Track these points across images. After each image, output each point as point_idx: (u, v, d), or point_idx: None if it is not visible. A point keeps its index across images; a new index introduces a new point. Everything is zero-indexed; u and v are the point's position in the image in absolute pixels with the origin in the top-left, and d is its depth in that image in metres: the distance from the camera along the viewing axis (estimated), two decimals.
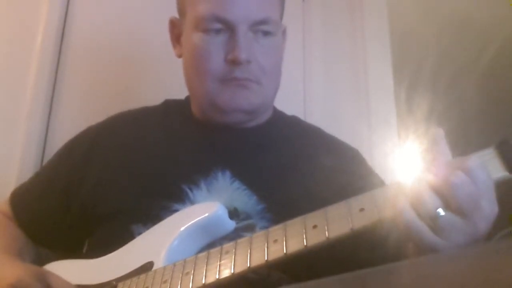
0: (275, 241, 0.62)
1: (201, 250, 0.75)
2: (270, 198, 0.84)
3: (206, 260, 0.66)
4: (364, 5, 1.61)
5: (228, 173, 0.86)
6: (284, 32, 1.00)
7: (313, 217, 0.62)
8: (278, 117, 1.02)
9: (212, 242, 0.76)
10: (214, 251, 0.67)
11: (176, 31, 0.98)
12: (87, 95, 1.35)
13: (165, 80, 1.34)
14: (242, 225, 0.80)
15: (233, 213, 0.81)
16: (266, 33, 0.89)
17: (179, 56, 0.97)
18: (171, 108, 1.02)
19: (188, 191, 0.84)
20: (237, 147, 0.93)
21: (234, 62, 0.86)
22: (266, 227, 0.80)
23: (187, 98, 1.01)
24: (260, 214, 0.82)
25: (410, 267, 0.48)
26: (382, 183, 0.93)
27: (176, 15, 0.98)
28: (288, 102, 1.18)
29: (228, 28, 0.87)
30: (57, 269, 0.86)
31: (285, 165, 0.90)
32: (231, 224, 0.76)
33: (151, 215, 0.81)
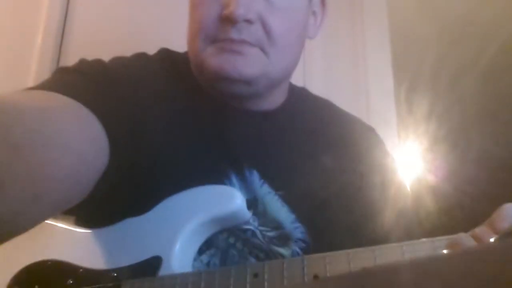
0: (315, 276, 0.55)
1: (211, 236, 0.71)
2: (299, 207, 0.76)
3: (232, 282, 0.59)
4: (364, 5, 1.61)
5: (255, 174, 0.76)
6: (323, 2, 0.86)
7: (359, 257, 0.55)
8: (293, 97, 0.89)
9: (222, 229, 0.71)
10: (239, 268, 0.60)
11: None
12: None
13: None
14: (276, 234, 0.74)
15: (252, 203, 0.74)
16: None
17: None
18: (172, 72, 0.83)
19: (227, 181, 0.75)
20: (258, 140, 0.80)
21: (229, 19, 0.70)
22: (300, 239, 0.75)
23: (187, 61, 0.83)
24: (292, 224, 0.75)
25: (410, 266, 0.48)
26: (395, 170, 0.88)
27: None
28: None
29: None
30: (50, 236, 0.74)
31: (309, 166, 0.81)
32: (248, 215, 0.71)
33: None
